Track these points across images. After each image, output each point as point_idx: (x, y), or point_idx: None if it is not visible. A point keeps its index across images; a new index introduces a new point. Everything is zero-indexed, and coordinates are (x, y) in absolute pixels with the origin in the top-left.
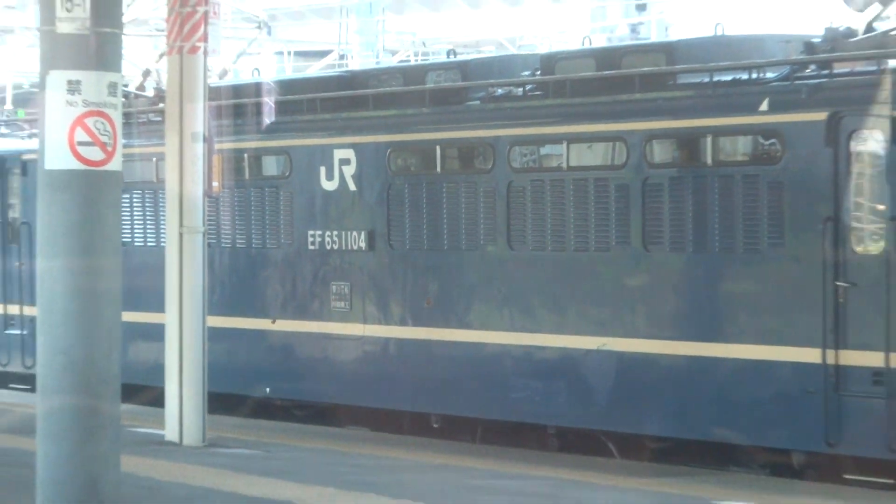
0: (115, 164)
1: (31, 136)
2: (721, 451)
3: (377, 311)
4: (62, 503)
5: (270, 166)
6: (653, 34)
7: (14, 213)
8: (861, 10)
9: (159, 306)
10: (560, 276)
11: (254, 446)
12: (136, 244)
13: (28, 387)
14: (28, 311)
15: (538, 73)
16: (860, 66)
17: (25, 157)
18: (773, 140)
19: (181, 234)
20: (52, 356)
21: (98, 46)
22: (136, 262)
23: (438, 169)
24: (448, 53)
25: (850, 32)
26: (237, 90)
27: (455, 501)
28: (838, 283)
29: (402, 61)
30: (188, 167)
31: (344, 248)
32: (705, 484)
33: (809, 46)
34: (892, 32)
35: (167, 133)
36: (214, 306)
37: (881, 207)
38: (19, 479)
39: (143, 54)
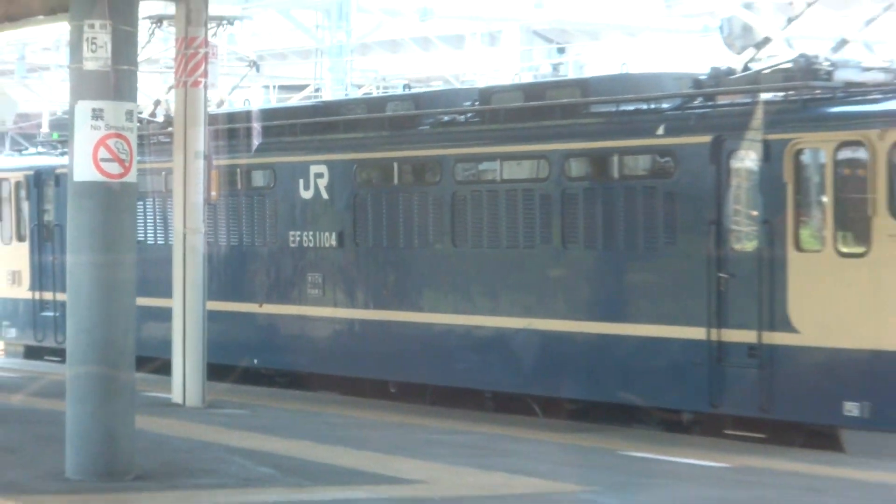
0: (131, 177)
1: (62, 153)
2: (625, 411)
3: (345, 296)
4: (86, 454)
5: (258, 179)
6: (570, 72)
7: (49, 217)
8: (739, 53)
9: (167, 293)
10: (494, 269)
11: (244, 407)
12: (148, 242)
13: (59, 359)
14: (59, 297)
15: (477, 103)
16: (738, 99)
17: (58, 171)
18: (667, 158)
19: (185, 234)
20: (79, 334)
21: (117, 81)
22: (149, 257)
23: (396, 181)
24: (403, 87)
25: (730, 71)
26: (231, 117)
27: (408, 453)
28: (720, 275)
29: (366, 93)
30: (191, 179)
31: (318, 245)
32: (612, 437)
33: (697, 82)
34: (764, 71)
35: (174, 152)
36: (212, 293)
37: (754, 213)
38: (51, 434)
39: (155, 87)
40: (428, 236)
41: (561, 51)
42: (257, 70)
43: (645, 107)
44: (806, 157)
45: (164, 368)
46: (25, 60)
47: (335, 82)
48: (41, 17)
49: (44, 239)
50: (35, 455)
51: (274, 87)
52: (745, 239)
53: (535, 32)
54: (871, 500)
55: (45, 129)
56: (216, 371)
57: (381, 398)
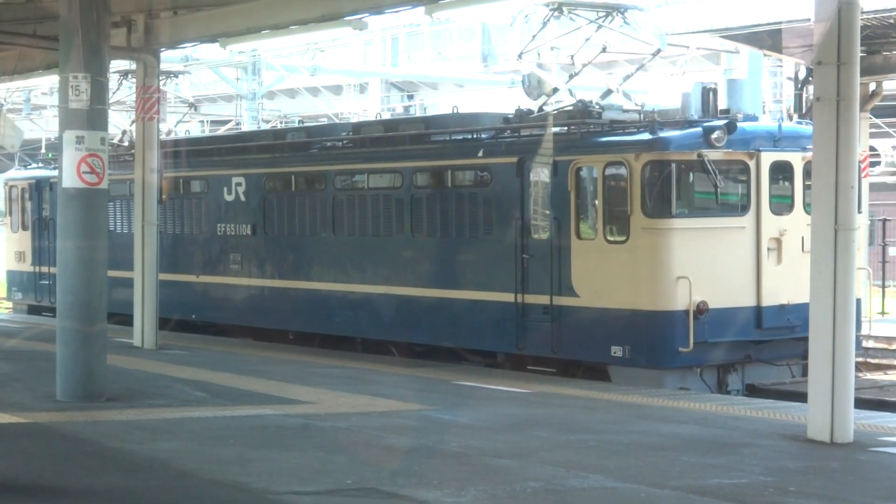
0: (104, 185)
1: (55, 168)
2: (456, 352)
3: (257, 270)
4: (71, 382)
5: (196, 186)
6: (417, 112)
7: (46, 212)
8: (535, 99)
9: (131, 267)
10: (363, 251)
11: (185, 349)
12: (117, 231)
13: (52, 314)
14: (52, 270)
15: (351, 133)
16: (535, 131)
17: (52, 180)
18: (486, 173)
19: (143, 226)
20: (65, 296)
21: (93, 116)
22: (118, 242)
23: (293, 188)
24: (298, 122)
25: (530, 112)
26: (177, 142)
27: (301, 381)
28: (524, 256)
29: (272, 126)
30: (148, 187)
31: (238, 234)
32: (447, 371)
33: (506, 119)
34: (553, 112)
35: (136, 167)
36: (163, 267)
37: (547, 212)
38: (46, 367)
39: (122, 121)
40: (316, 228)
41: (410, 97)
42: (195, 109)
43: (470, 137)
44: (584, 173)
45: (128, 321)
46: (30, 102)
47: (250, 119)
48: (41, 70)
49: (42, 228)
50: (34, 383)
51: (207, 121)
52: (541, 231)
53: (392, 84)
54: (629, 414)
55: (43, 151)
56: (166, 322)
57: (283, 343)
